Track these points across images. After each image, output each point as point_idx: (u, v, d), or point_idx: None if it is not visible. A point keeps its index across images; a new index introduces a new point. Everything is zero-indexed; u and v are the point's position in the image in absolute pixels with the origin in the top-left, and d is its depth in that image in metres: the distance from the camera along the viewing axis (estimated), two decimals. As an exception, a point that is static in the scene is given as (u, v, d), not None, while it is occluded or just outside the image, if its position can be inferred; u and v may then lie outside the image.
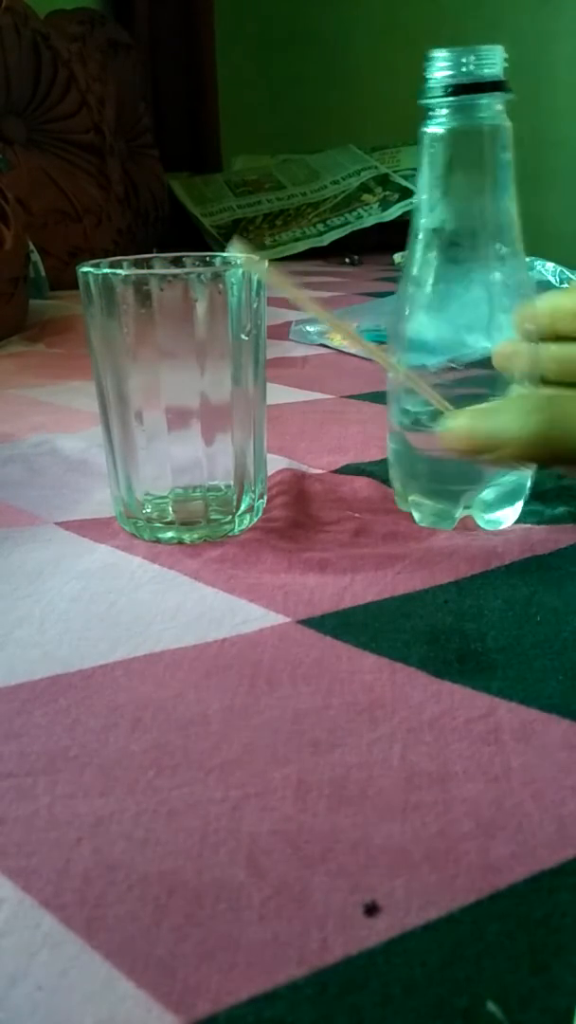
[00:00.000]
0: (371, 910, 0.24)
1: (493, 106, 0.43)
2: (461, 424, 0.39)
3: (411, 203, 1.60)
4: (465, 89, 0.43)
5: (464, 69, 0.43)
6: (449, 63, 0.43)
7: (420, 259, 0.46)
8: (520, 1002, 0.22)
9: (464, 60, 0.42)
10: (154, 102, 2.07)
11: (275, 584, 0.43)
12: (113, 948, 0.23)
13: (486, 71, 0.43)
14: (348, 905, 0.25)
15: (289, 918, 0.24)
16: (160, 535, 0.48)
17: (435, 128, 0.44)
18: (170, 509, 0.48)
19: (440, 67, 0.43)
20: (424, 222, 0.45)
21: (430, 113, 0.44)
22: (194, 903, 0.25)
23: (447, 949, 0.23)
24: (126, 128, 1.80)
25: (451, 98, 0.43)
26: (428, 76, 0.43)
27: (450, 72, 0.43)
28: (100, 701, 0.34)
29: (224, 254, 0.50)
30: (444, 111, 0.43)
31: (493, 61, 0.43)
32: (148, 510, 0.48)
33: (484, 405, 0.41)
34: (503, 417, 0.38)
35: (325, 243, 1.78)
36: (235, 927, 0.24)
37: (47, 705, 0.34)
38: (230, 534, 0.49)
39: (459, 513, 0.48)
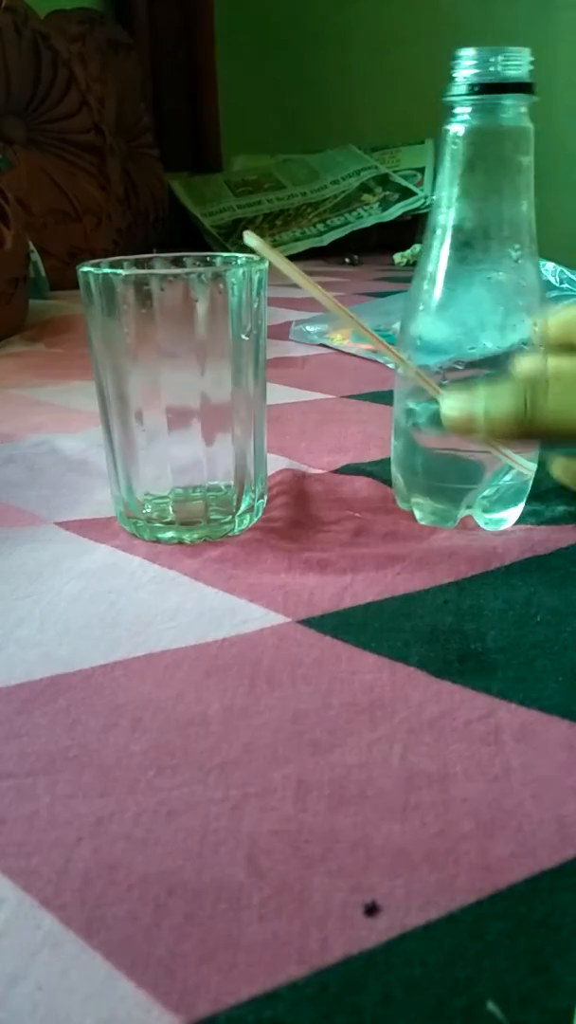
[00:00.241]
0: (371, 910, 0.24)
1: (517, 107, 0.43)
2: (449, 404, 0.43)
3: (411, 203, 1.59)
4: (491, 88, 0.43)
5: (491, 68, 0.42)
6: (476, 61, 0.43)
7: (434, 256, 0.46)
8: (520, 1002, 0.22)
9: (491, 60, 0.42)
10: (154, 102, 2.07)
11: (275, 584, 0.43)
12: (113, 948, 0.23)
13: (512, 72, 0.43)
14: (348, 905, 0.25)
15: (289, 918, 0.24)
16: (160, 535, 0.48)
17: (457, 126, 0.44)
18: (170, 509, 0.48)
19: (467, 65, 0.43)
20: (441, 219, 0.45)
21: (454, 111, 0.44)
22: (194, 903, 0.25)
23: (447, 949, 0.23)
24: (126, 128, 1.80)
25: (476, 96, 0.43)
26: (455, 74, 0.43)
27: (476, 70, 0.43)
28: (100, 701, 0.34)
29: (224, 254, 0.50)
30: (469, 109, 0.43)
31: (520, 62, 0.43)
32: (148, 510, 0.48)
33: (474, 386, 0.43)
34: (482, 400, 0.42)
35: (325, 243, 1.78)
36: (235, 927, 0.24)
37: (47, 705, 0.34)
38: (230, 534, 0.49)
39: (460, 513, 0.48)
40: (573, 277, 1.04)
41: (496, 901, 0.25)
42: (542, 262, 1.09)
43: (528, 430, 0.42)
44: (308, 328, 0.99)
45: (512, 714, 0.33)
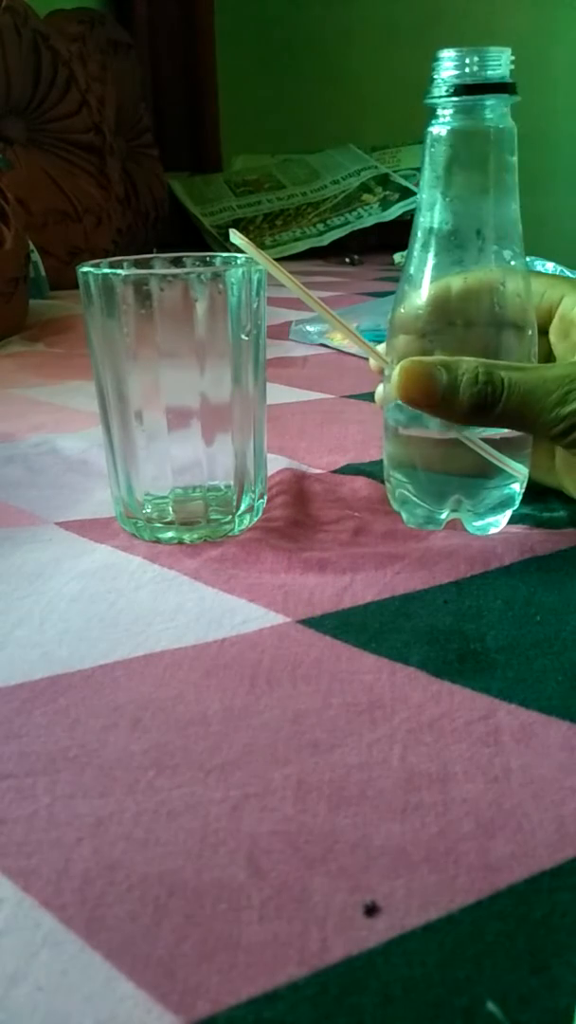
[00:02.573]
0: (371, 910, 0.24)
1: (498, 108, 0.43)
2: (415, 375, 0.43)
3: (411, 203, 1.59)
4: (470, 89, 0.42)
5: (470, 70, 0.42)
6: (455, 63, 0.42)
7: (417, 258, 0.46)
8: (520, 1002, 0.22)
9: (470, 61, 0.42)
10: (154, 102, 2.07)
11: (275, 584, 0.43)
12: (113, 948, 0.23)
13: (492, 72, 0.42)
14: (348, 905, 0.25)
15: (289, 918, 0.24)
16: (160, 535, 0.48)
17: (438, 128, 0.44)
18: (170, 509, 0.48)
19: (447, 67, 0.43)
20: (423, 221, 0.45)
21: (435, 113, 0.44)
22: (194, 903, 0.25)
23: (447, 949, 0.23)
24: (126, 128, 1.80)
25: (456, 98, 0.43)
26: (435, 75, 0.43)
27: (456, 72, 0.42)
28: (100, 701, 0.34)
29: (223, 254, 0.50)
30: (449, 111, 0.43)
31: (499, 62, 0.42)
32: (148, 510, 0.48)
33: (432, 359, 0.43)
34: (452, 383, 0.42)
35: (325, 243, 1.78)
36: (235, 927, 0.24)
37: (47, 705, 0.34)
38: (230, 534, 0.49)
39: (444, 515, 0.48)
40: (573, 277, 1.04)
41: (496, 901, 0.25)
42: (542, 262, 1.09)
43: (481, 413, 0.42)
44: (308, 328, 0.99)
45: (512, 715, 0.33)
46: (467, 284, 0.45)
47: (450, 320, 0.45)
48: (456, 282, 0.45)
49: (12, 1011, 0.22)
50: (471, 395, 0.42)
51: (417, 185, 1.88)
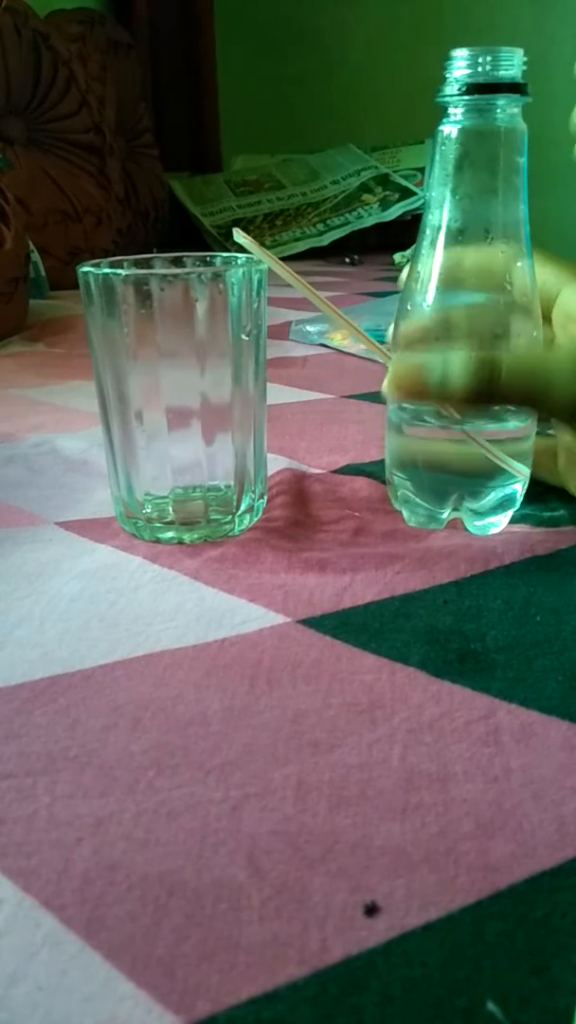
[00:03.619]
0: (371, 910, 0.24)
1: (508, 108, 0.43)
2: (407, 369, 0.43)
3: (411, 203, 1.59)
4: (482, 89, 0.42)
5: (482, 69, 0.42)
6: (468, 62, 0.42)
7: (424, 257, 0.46)
8: (520, 1002, 0.22)
9: (482, 60, 0.42)
10: (154, 102, 2.07)
11: (275, 584, 0.43)
12: (113, 948, 0.23)
13: (504, 72, 0.42)
14: (348, 905, 0.25)
15: (289, 918, 0.24)
16: (160, 535, 0.48)
17: (449, 127, 0.44)
18: (170, 509, 0.48)
19: (459, 66, 0.43)
20: (431, 219, 0.45)
21: (446, 111, 0.44)
22: (194, 903, 0.25)
23: (447, 949, 0.23)
24: (126, 128, 1.80)
25: (467, 97, 0.43)
26: (447, 74, 0.43)
27: (468, 71, 0.42)
28: (100, 701, 0.34)
29: (223, 254, 0.50)
30: (460, 110, 0.43)
31: (512, 63, 0.42)
32: (148, 510, 0.48)
33: (428, 354, 0.44)
34: (447, 369, 0.42)
35: (325, 243, 1.78)
36: (235, 927, 0.24)
37: (47, 705, 0.34)
38: (230, 534, 0.49)
39: (446, 515, 0.48)
40: None
41: (496, 901, 0.25)
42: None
43: (481, 393, 0.42)
44: (308, 328, 0.99)
45: (512, 714, 0.33)
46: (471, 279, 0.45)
47: (454, 324, 0.45)
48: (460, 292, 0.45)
49: (12, 1011, 0.22)
50: (468, 377, 0.42)
51: (417, 185, 1.88)
